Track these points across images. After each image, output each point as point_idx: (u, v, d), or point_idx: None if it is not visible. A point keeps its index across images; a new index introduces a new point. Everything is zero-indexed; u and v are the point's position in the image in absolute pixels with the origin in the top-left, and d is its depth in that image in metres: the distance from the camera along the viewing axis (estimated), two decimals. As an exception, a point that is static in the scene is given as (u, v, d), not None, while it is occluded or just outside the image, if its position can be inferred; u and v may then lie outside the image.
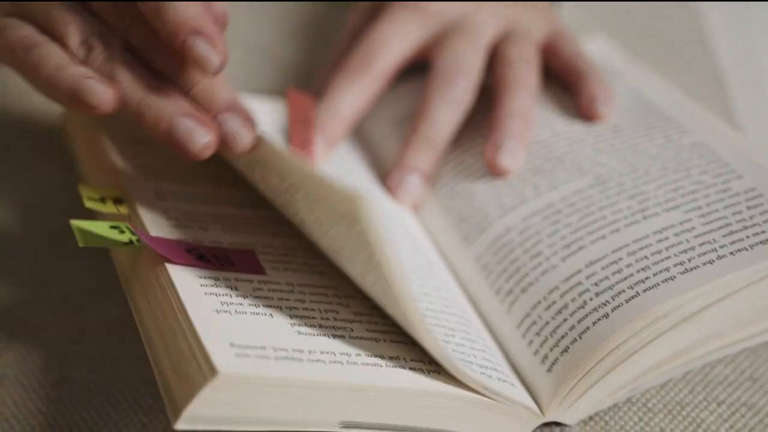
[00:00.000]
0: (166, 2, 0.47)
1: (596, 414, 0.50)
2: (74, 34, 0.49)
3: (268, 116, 0.60)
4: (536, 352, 0.48)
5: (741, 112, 0.69)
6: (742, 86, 0.71)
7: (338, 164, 0.60)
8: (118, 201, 0.50)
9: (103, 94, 0.46)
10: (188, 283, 0.45)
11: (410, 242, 0.56)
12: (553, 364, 0.48)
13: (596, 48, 0.65)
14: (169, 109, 0.47)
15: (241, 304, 0.45)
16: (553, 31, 0.63)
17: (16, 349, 0.53)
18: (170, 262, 0.46)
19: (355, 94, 0.60)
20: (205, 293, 0.45)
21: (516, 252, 0.52)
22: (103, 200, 0.50)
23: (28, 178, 0.62)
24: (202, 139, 0.47)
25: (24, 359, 0.52)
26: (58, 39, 0.49)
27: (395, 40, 0.61)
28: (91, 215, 0.51)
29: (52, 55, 0.48)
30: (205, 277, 0.46)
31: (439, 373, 0.46)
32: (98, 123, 0.56)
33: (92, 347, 0.53)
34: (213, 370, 0.41)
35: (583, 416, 0.49)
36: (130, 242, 0.47)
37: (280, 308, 0.46)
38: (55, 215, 0.59)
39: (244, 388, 0.41)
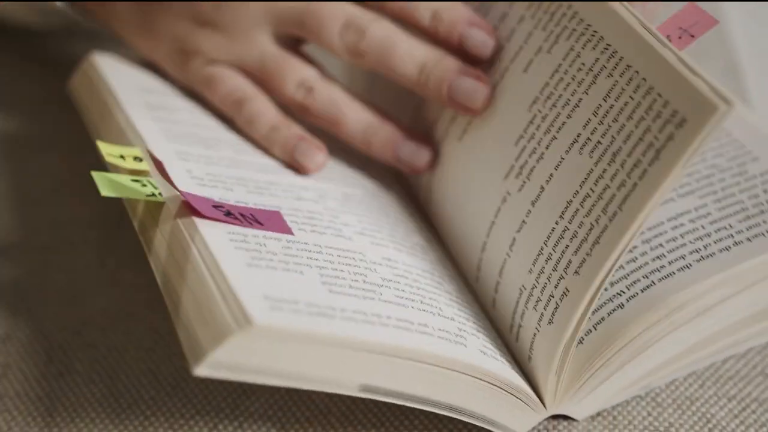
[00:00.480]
0: (440, 3, 0.53)
1: (604, 409, 0.49)
2: (290, 78, 0.55)
3: None
4: (527, 345, 0.48)
5: (756, 101, 0.68)
6: (757, 75, 0.70)
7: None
8: (138, 159, 0.49)
9: (315, 157, 0.54)
10: (217, 237, 0.45)
11: (411, 210, 0.56)
12: (531, 350, 0.47)
13: None
14: (393, 137, 0.54)
15: (271, 260, 0.45)
16: None
17: (19, 339, 0.52)
18: (198, 215, 0.45)
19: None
20: (235, 248, 0.45)
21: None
22: (122, 157, 0.49)
23: (30, 168, 0.62)
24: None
25: (26, 350, 0.52)
26: (274, 89, 0.55)
27: None
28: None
29: (264, 112, 0.54)
30: (233, 233, 0.45)
31: (465, 346, 0.45)
32: (112, 89, 0.55)
33: (95, 338, 0.52)
34: (248, 320, 0.40)
35: (592, 411, 0.48)
36: (153, 195, 0.46)
37: (310, 266, 0.45)
38: (56, 205, 0.59)
39: (275, 339, 0.41)
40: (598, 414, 0.49)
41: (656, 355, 0.46)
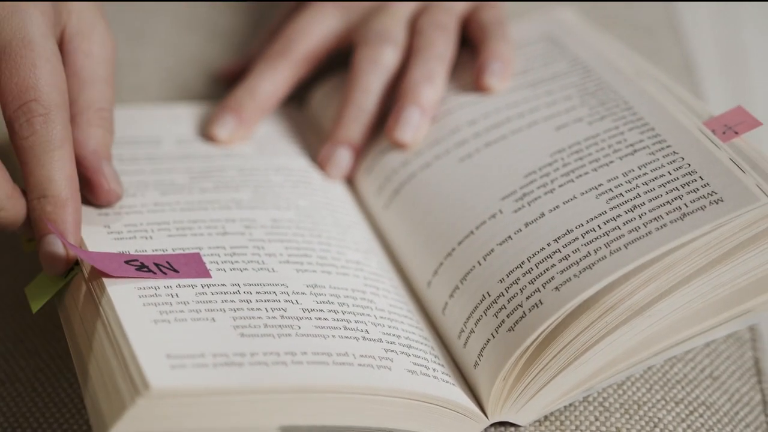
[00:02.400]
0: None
1: (551, 414, 0.49)
2: None
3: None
4: (476, 351, 0.48)
5: (711, 100, 0.68)
6: (712, 74, 0.70)
7: (272, 146, 0.59)
8: None
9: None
10: (125, 296, 0.45)
11: (348, 221, 0.55)
12: (480, 357, 0.47)
13: (555, 18, 0.62)
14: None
15: (182, 311, 0.44)
16: (481, 2, 0.62)
17: (-42, 348, 0.52)
18: (107, 276, 0.45)
19: (273, 77, 0.60)
20: (144, 304, 0.44)
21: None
22: None
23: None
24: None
25: (-33, 358, 0.51)
26: None
27: (315, 27, 0.61)
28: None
29: None
30: (144, 288, 0.45)
31: (390, 369, 0.45)
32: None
33: (37, 344, 0.52)
34: (145, 384, 0.40)
35: (537, 416, 0.48)
36: (72, 269, 0.47)
37: (223, 311, 0.45)
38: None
39: (178, 400, 0.41)
40: (545, 419, 0.49)
41: (595, 358, 0.46)
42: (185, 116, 0.60)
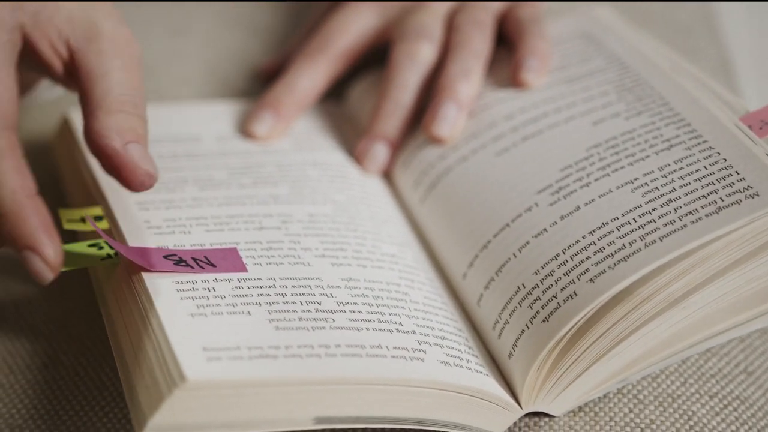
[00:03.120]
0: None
1: (585, 405, 0.49)
2: None
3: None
4: (511, 342, 0.48)
5: (749, 100, 0.68)
6: (750, 75, 0.70)
7: (309, 141, 0.60)
8: (98, 218, 0.50)
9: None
10: (163, 290, 0.45)
11: (384, 215, 0.55)
12: (514, 347, 0.47)
13: (592, 15, 0.63)
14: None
15: (218, 305, 0.45)
16: (518, 1, 0.62)
17: (4, 331, 0.53)
18: (147, 270, 0.46)
19: (311, 73, 0.61)
20: (181, 298, 0.45)
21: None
22: (83, 220, 0.50)
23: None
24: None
25: (11, 341, 0.52)
26: None
27: (353, 24, 0.62)
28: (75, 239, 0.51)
29: None
30: (182, 282, 0.46)
31: (422, 361, 0.46)
32: (80, 143, 0.55)
33: (80, 329, 0.53)
34: (182, 377, 0.41)
35: (571, 407, 0.48)
36: (109, 257, 0.48)
37: (259, 305, 0.46)
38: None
39: (214, 392, 0.41)
40: (580, 410, 0.49)
41: (629, 349, 0.47)
42: (224, 113, 0.60)
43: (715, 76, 0.67)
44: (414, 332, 0.47)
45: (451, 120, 0.57)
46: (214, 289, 0.46)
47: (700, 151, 0.50)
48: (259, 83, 0.67)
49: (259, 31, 0.72)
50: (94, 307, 0.54)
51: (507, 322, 0.48)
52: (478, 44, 0.59)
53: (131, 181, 0.47)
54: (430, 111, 0.58)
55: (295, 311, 0.46)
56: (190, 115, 0.60)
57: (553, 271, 0.48)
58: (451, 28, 0.61)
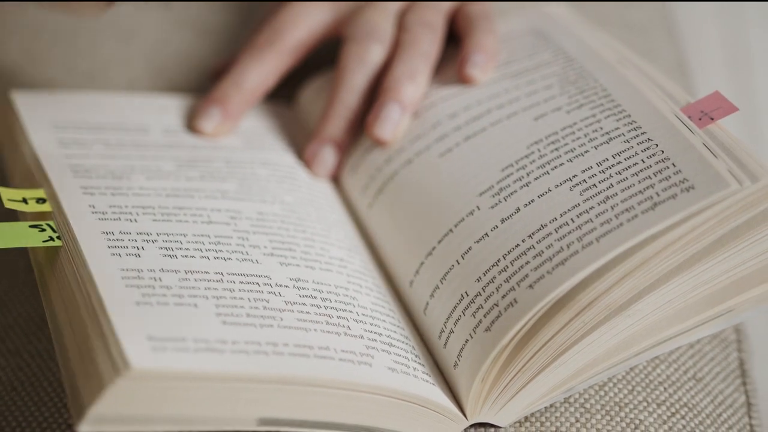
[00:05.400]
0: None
1: (531, 415, 0.48)
2: None
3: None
4: (456, 352, 0.47)
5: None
6: (706, 74, 0.70)
7: (260, 141, 0.59)
8: (40, 201, 0.49)
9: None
10: (108, 276, 0.44)
11: (333, 219, 0.55)
12: (459, 357, 0.47)
13: (544, 12, 0.62)
14: None
15: (164, 295, 0.44)
16: None
17: (-61, 347, 0.52)
18: None
19: (260, 67, 0.60)
20: (126, 285, 0.44)
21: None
22: (25, 201, 0.49)
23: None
24: None
25: (-53, 357, 0.51)
26: None
27: (304, 18, 0.61)
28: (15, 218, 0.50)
29: None
30: (127, 269, 0.45)
31: (370, 366, 0.45)
32: (24, 128, 0.54)
33: (18, 344, 0.52)
34: (126, 364, 0.40)
35: (517, 417, 0.48)
36: (50, 239, 0.46)
37: (206, 298, 0.45)
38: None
39: (157, 384, 0.40)
40: (526, 420, 0.48)
41: (575, 358, 0.46)
42: (173, 107, 0.59)
43: (672, 77, 0.67)
44: (362, 337, 0.47)
45: (393, 121, 0.56)
46: (160, 279, 0.45)
47: (638, 144, 0.48)
48: (210, 84, 0.66)
49: (209, 32, 0.71)
50: (33, 321, 0.53)
51: (452, 331, 0.48)
52: (425, 45, 0.59)
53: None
54: (373, 112, 0.57)
55: (242, 307, 0.45)
56: (138, 106, 0.59)
57: (495, 277, 0.47)
58: (400, 27, 0.60)
